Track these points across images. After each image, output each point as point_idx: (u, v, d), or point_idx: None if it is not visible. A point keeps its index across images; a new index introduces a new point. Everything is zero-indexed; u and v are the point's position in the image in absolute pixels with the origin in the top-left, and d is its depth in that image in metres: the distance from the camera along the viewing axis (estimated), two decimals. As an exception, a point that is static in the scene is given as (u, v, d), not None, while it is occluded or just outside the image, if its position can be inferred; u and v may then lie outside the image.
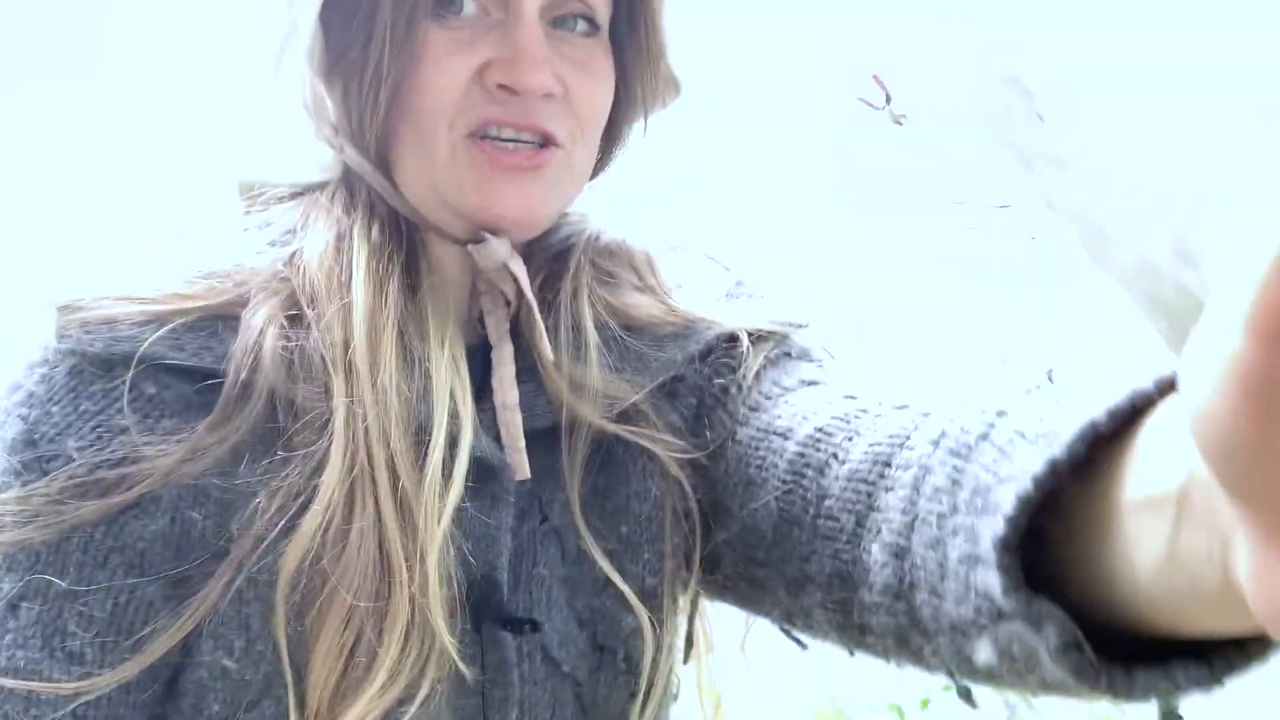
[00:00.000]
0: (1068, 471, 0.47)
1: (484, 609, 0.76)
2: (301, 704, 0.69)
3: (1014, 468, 0.50)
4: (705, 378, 0.83)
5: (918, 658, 0.63)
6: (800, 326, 0.85)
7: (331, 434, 0.70)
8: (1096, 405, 0.47)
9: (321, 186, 0.82)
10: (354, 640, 0.69)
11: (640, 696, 0.80)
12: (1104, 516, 0.46)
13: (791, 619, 0.75)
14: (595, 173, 0.87)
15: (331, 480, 0.69)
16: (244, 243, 0.76)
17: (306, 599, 0.69)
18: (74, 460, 0.68)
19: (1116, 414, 0.46)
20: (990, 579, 0.50)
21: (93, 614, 0.69)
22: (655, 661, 0.80)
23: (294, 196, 0.82)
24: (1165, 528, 0.41)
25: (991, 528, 0.49)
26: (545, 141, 0.78)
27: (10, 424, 0.70)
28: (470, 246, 0.79)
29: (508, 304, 0.82)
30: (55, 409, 0.70)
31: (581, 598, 0.80)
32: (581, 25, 0.81)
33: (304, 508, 0.69)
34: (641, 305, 0.84)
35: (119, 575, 0.69)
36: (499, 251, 0.79)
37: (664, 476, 0.80)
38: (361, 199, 0.80)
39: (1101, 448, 0.46)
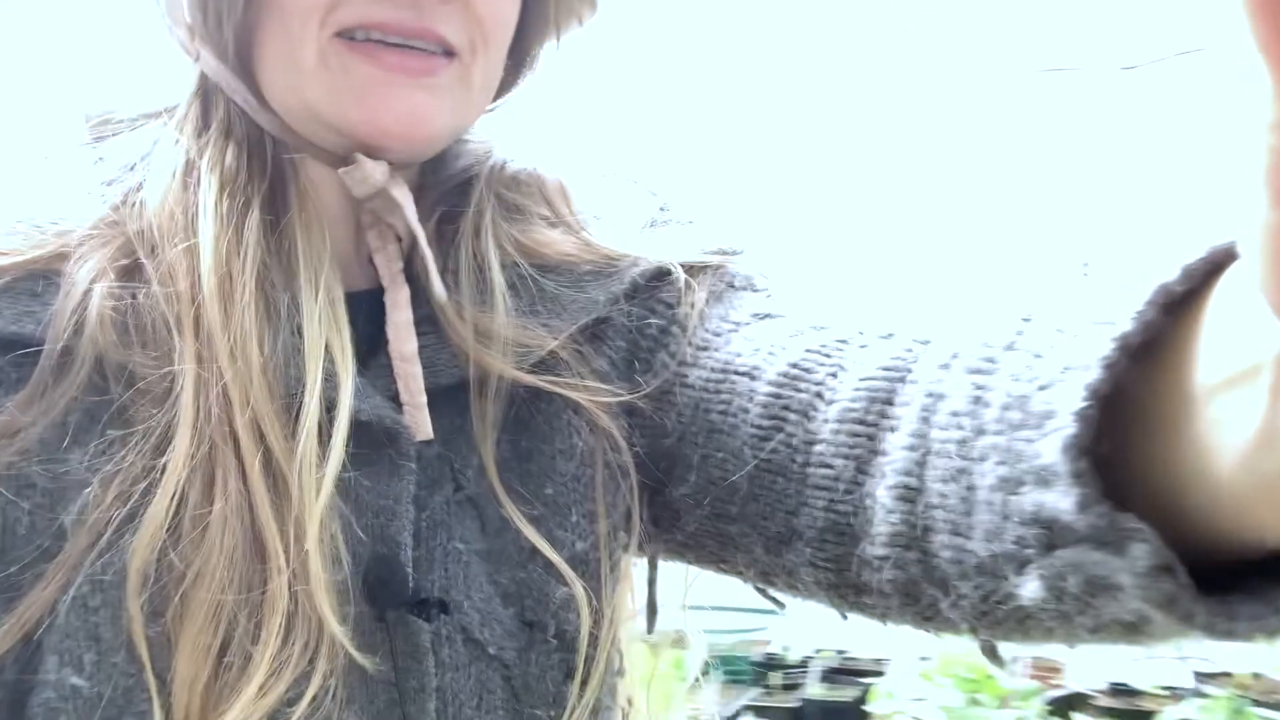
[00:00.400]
0: (1135, 356, 0.41)
1: (386, 592, 0.66)
2: (169, 717, 0.59)
3: (1059, 366, 0.43)
4: (636, 318, 0.73)
5: (928, 615, 0.57)
6: (736, 253, 0.77)
7: (178, 405, 0.61)
8: (1164, 270, 0.40)
9: (172, 109, 0.71)
10: (224, 638, 0.59)
11: (578, 675, 0.70)
12: (1175, 407, 0.40)
13: (771, 578, 0.67)
14: (498, 96, 0.76)
15: (179, 459, 0.60)
16: (75, 183, 0.66)
17: (162, 597, 0.59)
18: None
19: (1192, 274, 0.40)
20: (1052, 498, 0.42)
21: None
22: (593, 635, 0.70)
23: (139, 124, 0.71)
24: (1260, 402, 0.36)
25: (1051, 437, 0.42)
26: (440, 51, 0.67)
27: None
28: (340, 170, 0.69)
29: (399, 240, 0.72)
30: None
31: (505, 571, 0.70)
32: None
33: (148, 493, 0.60)
34: (555, 241, 0.74)
35: None
36: (374, 174, 0.68)
37: (592, 430, 0.71)
38: (218, 117, 0.69)
39: (1171, 322, 0.40)
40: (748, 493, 0.64)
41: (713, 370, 0.68)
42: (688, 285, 0.73)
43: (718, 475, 0.66)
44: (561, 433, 0.71)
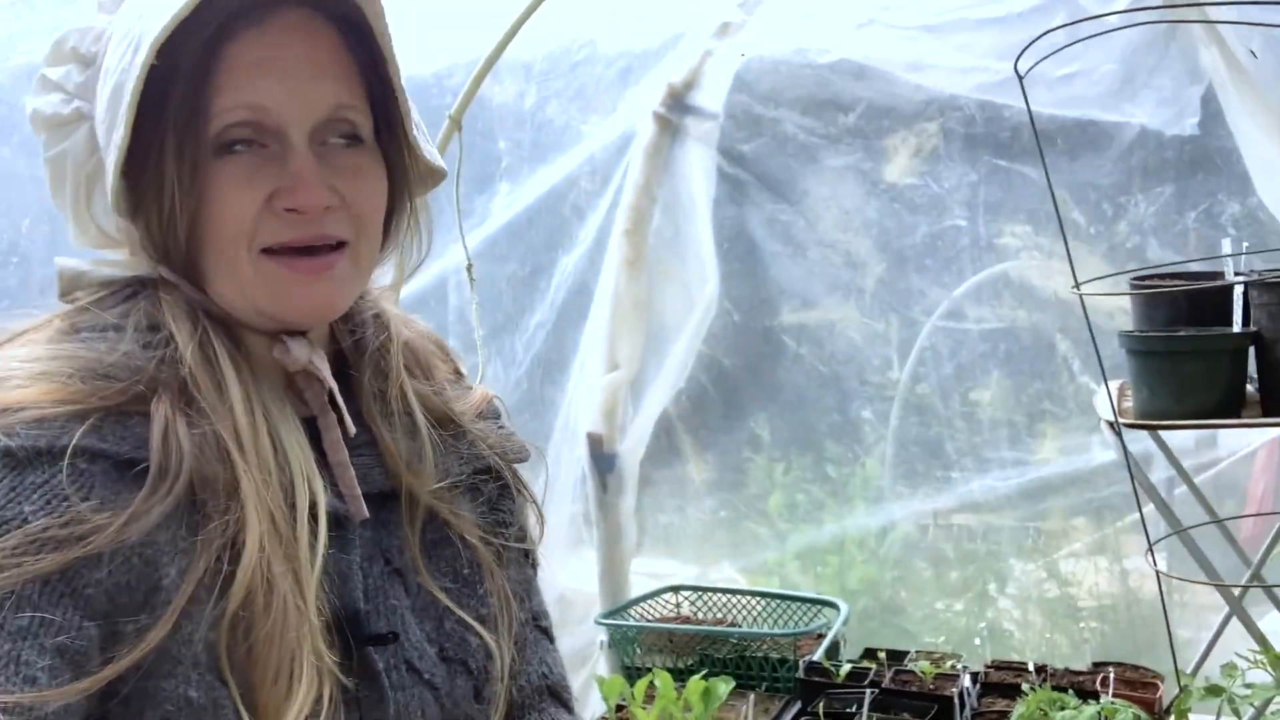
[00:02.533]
0: None
1: (353, 631, 0.97)
2: (246, 703, 0.87)
3: None
4: (490, 493, 1.13)
5: None
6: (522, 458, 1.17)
7: (243, 499, 0.89)
8: None
9: (149, 282, 0.97)
10: (276, 670, 0.88)
11: (484, 695, 1.05)
12: None
13: None
14: (384, 248, 1.08)
15: (253, 539, 0.88)
16: (120, 342, 0.91)
17: (234, 638, 0.88)
18: (29, 521, 0.82)
19: None
20: None
21: (44, 645, 0.81)
22: (499, 672, 1.06)
23: (129, 295, 0.97)
24: None
25: None
26: (335, 245, 0.96)
27: None
28: (276, 351, 0.99)
29: (322, 383, 1.01)
30: (4, 483, 0.83)
31: (429, 623, 1.03)
32: (346, 139, 0.97)
33: (231, 564, 0.88)
34: (445, 401, 1.10)
35: (70, 615, 0.82)
36: (300, 355, 0.99)
37: (479, 541, 1.08)
38: (196, 298, 0.96)
39: None
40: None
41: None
42: (519, 490, 1.15)
43: None
44: (458, 541, 1.07)
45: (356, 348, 1.06)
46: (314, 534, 0.93)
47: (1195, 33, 2.91)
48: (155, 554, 0.87)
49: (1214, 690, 1.90)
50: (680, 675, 2.91)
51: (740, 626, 3.43)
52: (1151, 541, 1.81)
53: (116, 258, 1.02)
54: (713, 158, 3.45)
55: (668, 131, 3.48)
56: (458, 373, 1.17)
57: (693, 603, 3.58)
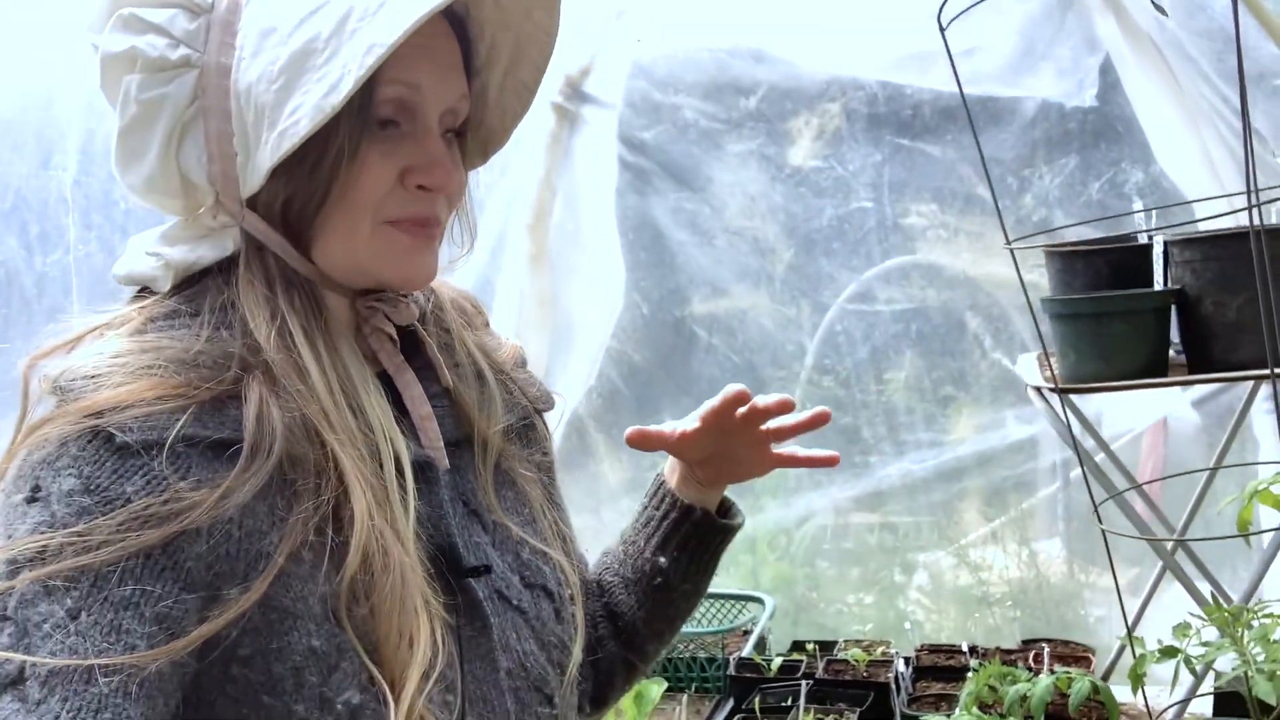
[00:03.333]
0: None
1: (452, 566, 1.03)
2: (371, 656, 0.93)
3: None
4: (529, 431, 1.22)
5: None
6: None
7: (343, 472, 0.95)
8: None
9: (223, 265, 1.01)
10: (400, 624, 0.94)
11: (564, 614, 1.14)
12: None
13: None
14: None
15: (360, 509, 0.94)
16: (201, 329, 0.97)
17: (353, 594, 0.94)
18: (131, 501, 0.87)
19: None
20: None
21: (144, 614, 0.86)
22: (572, 592, 1.15)
23: (196, 283, 1.01)
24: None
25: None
26: (436, 222, 1.05)
27: (62, 480, 0.88)
28: (386, 309, 1.07)
29: (393, 340, 1.08)
30: (108, 466, 0.88)
31: (508, 556, 1.11)
32: (450, 134, 1.06)
33: (338, 529, 0.95)
34: (495, 348, 1.20)
35: (169, 586, 0.88)
36: (411, 310, 1.10)
37: (531, 482, 1.18)
38: (273, 268, 1.00)
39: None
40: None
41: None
42: (545, 434, 1.26)
43: None
44: (518, 476, 1.17)
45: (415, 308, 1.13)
46: (403, 488, 0.98)
47: (1091, 3, 2.91)
48: (255, 524, 0.92)
49: (1169, 651, 1.85)
50: (609, 679, 2.78)
51: (664, 627, 3.32)
52: (1096, 502, 1.75)
53: (172, 219, 1.05)
54: (614, 147, 3.36)
55: (566, 121, 3.38)
56: (487, 324, 1.25)
57: (612, 607, 3.47)
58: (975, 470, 3.46)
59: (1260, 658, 1.76)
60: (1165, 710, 2.26)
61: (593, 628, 1.29)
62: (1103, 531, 1.90)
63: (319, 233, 1.00)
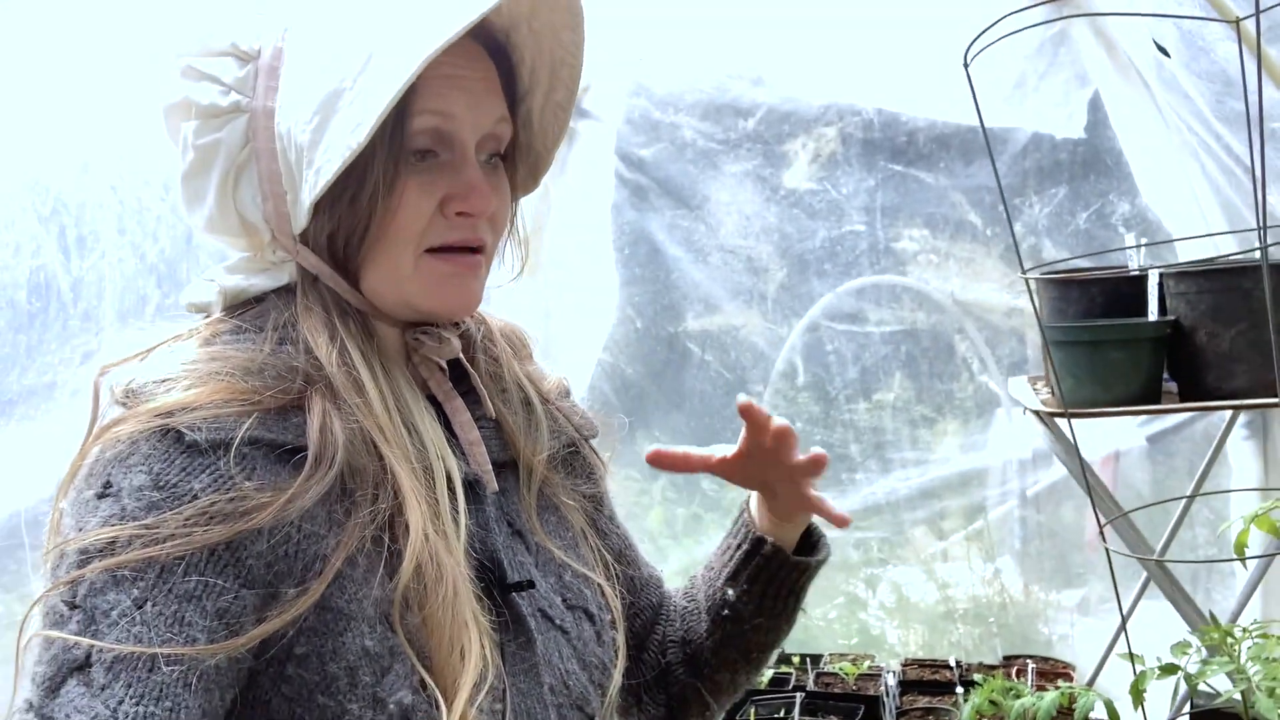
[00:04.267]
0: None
1: (498, 581, 1.06)
2: (422, 661, 0.96)
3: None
4: (575, 460, 1.27)
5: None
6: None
7: (399, 486, 0.98)
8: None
9: (283, 290, 1.06)
10: (450, 636, 0.97)
11: (604, 637, 1.16)
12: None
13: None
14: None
15: (416, 522, 0.97)
16: (264, 343, 1.01)
17: (406, 604, 0.97)
18: (199, 498, 0.91)
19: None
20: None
21: (206, 608, 0.89)
22: (613, 617, 1.18)
23: (258, 304, 1.06)
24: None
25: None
26: (479, 249, 1.07)
27: (133, 476, 0.91)
28: (429, 343, 1.10)
29: (443, 370, 1.12)
30: (177, 463, 0.92)
31: (550, 577, 1.14)
32: (495, 155, 1.09)
33: (394, 538, 0.98)
34: (540, 379, 1.23)
35: (231, 582, 0.91)
36: (456, 345, 1.11)
37: (575, 508, 1.22)
38: (328, 298, 1.05)
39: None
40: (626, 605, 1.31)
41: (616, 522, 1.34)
42: (592, 459, 1.29)
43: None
44: (561, 503, 1.20)
45: (464, 338, 1.15)
46: (454, 505, 1.02)
47: (1083, 36, 3.00)
48: (314, 528, 0.95)
49: (1169, 669, 1.92)
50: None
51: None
52: (1101, 523, 1.82)
53: (239, 254, 1.10)
54: (611, 162, 3.40)
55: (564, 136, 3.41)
56: (530, 356, 1.28)
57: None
58: (944, 491, 3.53)
59: (1258, 675, 1.83)
60: (1161, 726, 2.34)
61: (661, 654, 1.32)
62: (1106, 550, 1.97)
63: (365, 265, 1.04)
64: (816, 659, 3.22)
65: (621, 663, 1.17)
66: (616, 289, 3.42)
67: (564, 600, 1.14)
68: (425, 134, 1.03)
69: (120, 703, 0.84)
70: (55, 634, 0.87)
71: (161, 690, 0.86)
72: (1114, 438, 3.33)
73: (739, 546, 1.28)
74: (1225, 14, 2.11)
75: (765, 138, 3.34)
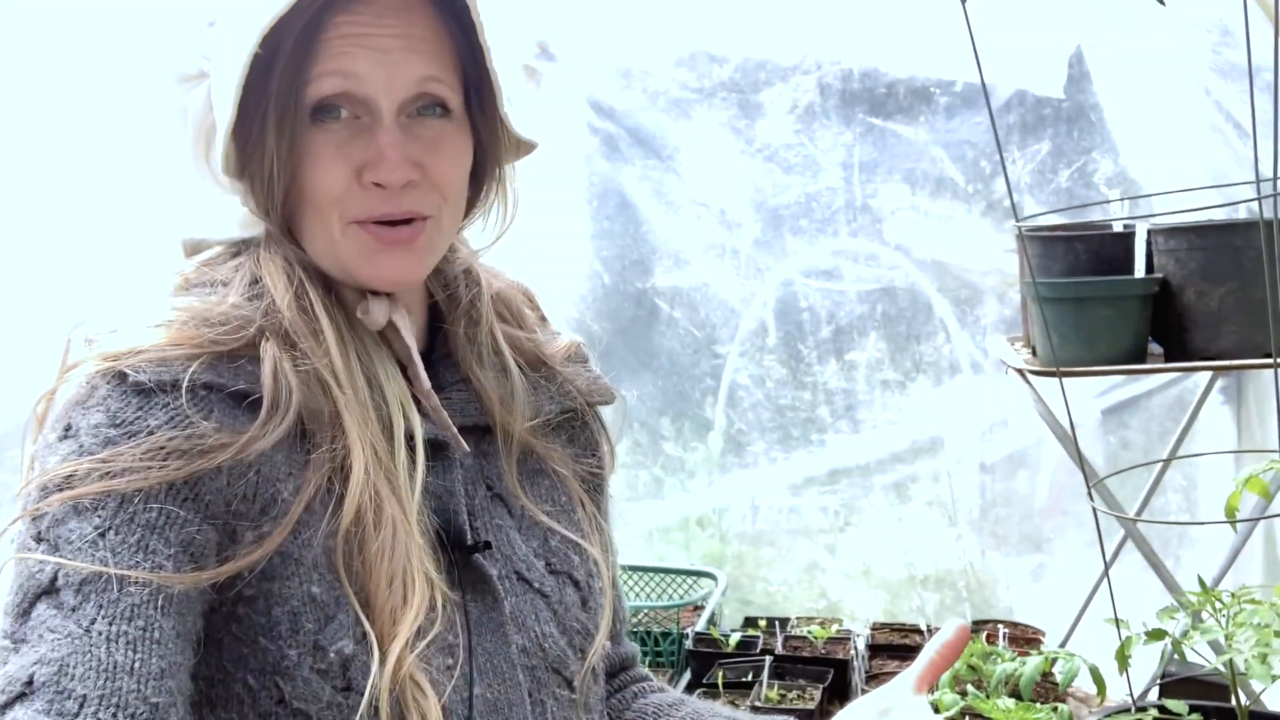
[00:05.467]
0: None
1: (456, 543, 1.05)
2: (364, 611, 0.96)
3: None
4: (580, 430, 1.23)
5: None
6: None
7: (346, 430, 0.98)
8: None
9: (255, 242, 1.06)
10: (390, 578, 0.96)
11: (589, 604, 1.14)
12: None
13: None
14: (471, 213, 1.15)
15: (359, 465, 0.97)
16: (228, 295, 1.01)
17: (349, 549, 0.97)
18: (154, 433, 0.92)
19: None
20: None
21: (169, 538, 0.90)
22: (602, 584, 1.16)
23: (234, 254, 1.07)
24: None
25: None
26: (414, 218, 1.03)
27: (90, 415, 0.93)
28: (359, 310, 1.06)
29: (402, 332, 1.09)
30: (133, 402, 0.93)
31: (533, 542, 1.12)
32: (435, 110, 1.03)
33: (342, 486, 0.98)
34: (533, 345, 1.18)
35: (191, 514, 0.92)
36: (379, 316, 1.06)
37: (569, 474, 1.19)
38: (293, 253, 1.05)
39: None
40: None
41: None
42: (598, 429, 1.25)
43: None
44: (552, 472, 1.18)
45: (450, 301, 1.14)
46: (412, 461, 1.02)
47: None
48: (271, 471, 0.96)
49: (1156, 634, 1.86)
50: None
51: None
52: (1090, 484, 1.75)
53: (227, 212, 1.09)
54: (582, 112, 3.29)
55: (533, 83, 3.30)
56: (543, 319, 1.25)
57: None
58: (920, 453, 3.47)
59: (1248, 642, 1.77)
60: (1147, 691, 2.29)
61: None
62: (1094, 510, 1.91)
63: (298, 231, 1.05)
64: (784, 622, 3.16)
65: (606, 626, 1.15)
66: (586, 242, 3.32)
67: (548, 564, 1.12)
68: (333, 96, 0.99)
69: (93, 621, 0.85)
70: (22, 556, 0.89)
71: (133, 610, 0.87)
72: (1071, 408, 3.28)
73: None
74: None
75: (740, 86, 3.24)
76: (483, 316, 1.14)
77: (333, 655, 0.94)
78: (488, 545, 1.07)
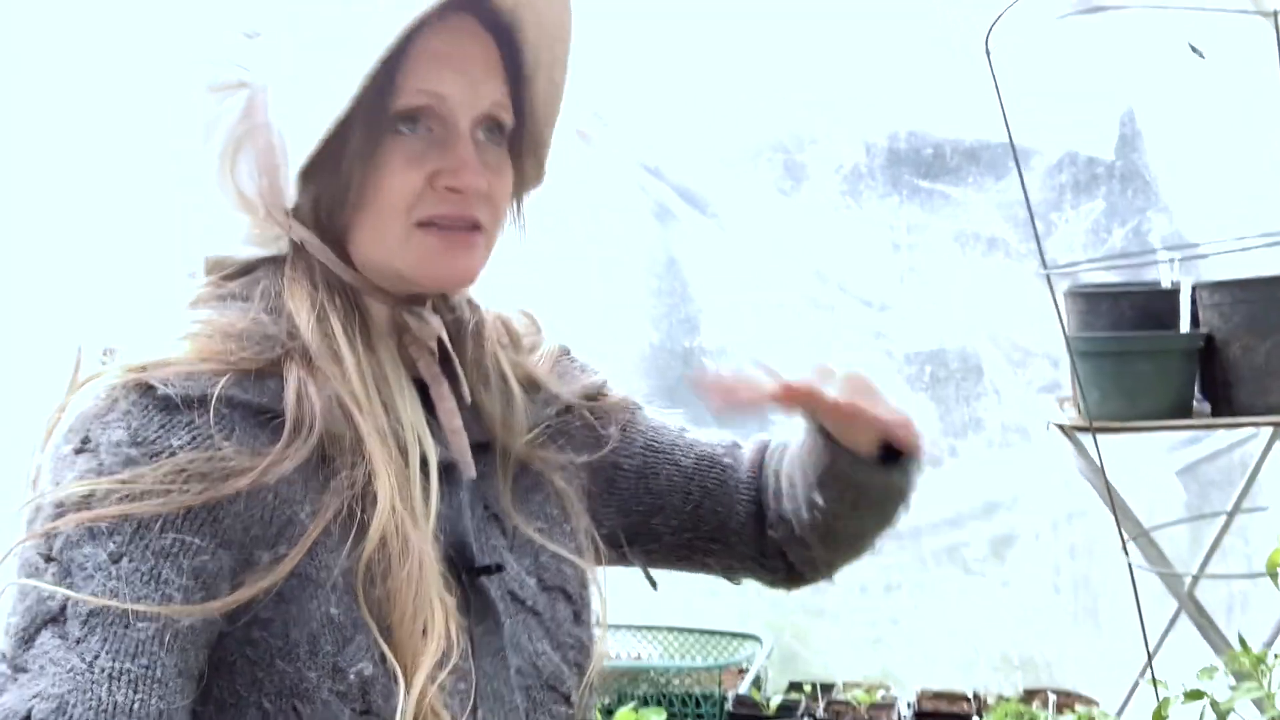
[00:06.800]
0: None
1: (464, 564, 1.06)
2: (383, 636, 0.95)
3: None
4: (569, 425, 1.23)
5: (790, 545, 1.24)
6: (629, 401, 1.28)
7: (370, 457, 0.98)
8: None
9: (276, 260, 1.06)
10: (414, 610, 0.96)
11: (581, 617, 1.15)
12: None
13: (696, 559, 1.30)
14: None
15: (384, 495, 0.97)
16: (248, 310, 1.01)
17: (370, 574, 0.96)
18: (176, 455, 0.91)
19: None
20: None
21: (182, 566, 0.90)
22: (588, 594, 1.17)
23: (250, 269, 1.07)
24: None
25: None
26: (474, 226, 1.06)
27: (111, 431, 0.91)
28: (413, 322, 1.08)
29: (432, 353, 1.11)
30: (155, 420, 0.92)
31: (525, 560, 1.13)
32: (495, 134, 1.08)
33: (363, 508, 0.97)
34: (530, 369, 1.20)
35: (207, 540, 0.91)
36: (436, 325, 1.10)
37: (566, 483, 1.19)
38: (318, 272, 1.05)
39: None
40: (737, 529, 1.26)
41: (645, 451, 1.26)
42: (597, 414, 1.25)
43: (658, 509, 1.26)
44: (548, 482, 1.18)
45: (456, 324, 1.15)
46: (426, 485, 1.02)
47: (1115, 44, 2.91)
48: (289, 492, 0.96)
49: (1194, 694, 1.79)
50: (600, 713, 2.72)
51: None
52: (1125, 540, 1.71)
53: (239, 228, 1.09)
54: (633, 173, 3.34)
55: (585, 143, 3.36)
56: (522, 345, 1.26)
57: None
58: (974, 521, 3.41)
59: (1290, 704, 1.70)
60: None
61: (762, 528, 1.25)
62: (1129, 565, 1.86)
63: (352, 235, 1.05)
64: (829, 687, 3.10)
65: (600, 647, 1.17)
66: (635, 299, 3.35)
67: (539, 581, 1.14)
68: (413, 110, 1.03)
69: (96, 657, 0.85)
70: (31, 582, 0.88)
71: (138, 647, 0.86)
72: (1143, 468, 3.21)
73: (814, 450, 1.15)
74: (1262, 5, 2.01)
75: (786, 146, 3.26)
76: (487, 339, 1.17)
77: (352, 677, 0.94)
78: (499, 568, 1.08)
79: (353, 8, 1.02)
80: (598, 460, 1.23)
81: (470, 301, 1.19)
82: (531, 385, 1.20)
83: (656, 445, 1.27)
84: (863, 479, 1.14)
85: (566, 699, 1.12)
